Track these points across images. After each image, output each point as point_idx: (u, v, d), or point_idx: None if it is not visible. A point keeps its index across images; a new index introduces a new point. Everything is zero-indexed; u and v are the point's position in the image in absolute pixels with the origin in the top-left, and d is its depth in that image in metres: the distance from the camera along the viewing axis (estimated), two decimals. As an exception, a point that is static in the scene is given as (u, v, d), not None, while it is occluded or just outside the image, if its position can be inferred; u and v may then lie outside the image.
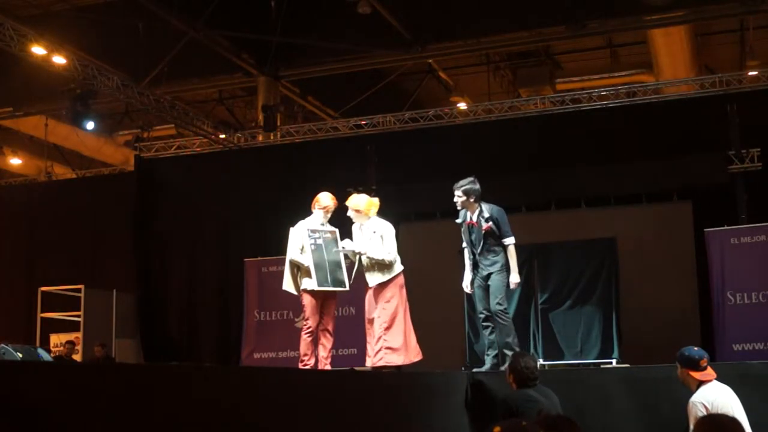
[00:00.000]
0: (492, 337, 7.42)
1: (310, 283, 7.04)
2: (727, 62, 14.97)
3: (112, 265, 15.18)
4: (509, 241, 7.36)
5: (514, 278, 7.38)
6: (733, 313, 10.87)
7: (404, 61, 13.92)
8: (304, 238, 7.10)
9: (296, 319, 7.00)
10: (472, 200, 7.42)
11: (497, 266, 7.35)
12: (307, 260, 7.05)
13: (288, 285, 7.19)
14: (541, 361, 10.97)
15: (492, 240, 7.36)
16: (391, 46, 12.78)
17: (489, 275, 7.38)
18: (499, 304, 7.30)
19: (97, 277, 15.05)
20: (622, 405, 6.47)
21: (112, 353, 13.68)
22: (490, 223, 7.35)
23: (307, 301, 7.08)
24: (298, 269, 7.18)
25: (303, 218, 7.37)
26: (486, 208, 7.42)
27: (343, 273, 7.25)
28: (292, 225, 7.33)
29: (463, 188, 7.41)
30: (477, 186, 7.43)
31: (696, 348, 5.40)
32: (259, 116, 13.70)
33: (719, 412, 5.03)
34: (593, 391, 6.62)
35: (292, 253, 7.13)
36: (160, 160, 15.03)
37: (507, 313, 7.45)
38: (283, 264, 7.04)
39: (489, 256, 7.38)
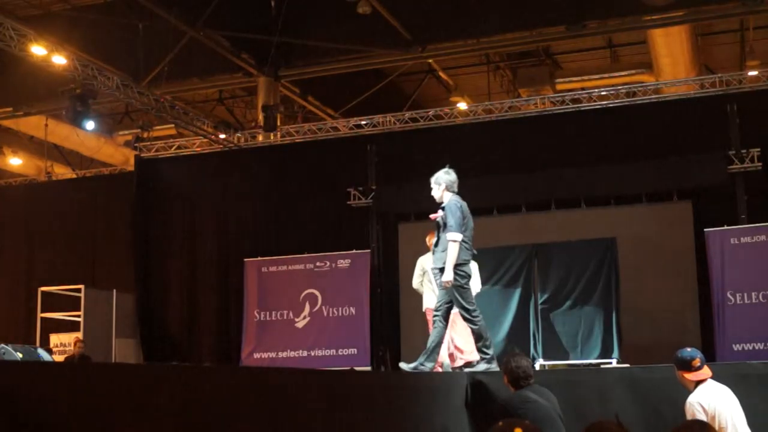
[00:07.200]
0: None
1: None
2: (727, 62, 14.98)
3: (112, 265, 15.18)
4: (451, 236, 6.75)
5: (446, 276, 6.76)
6: (733, 313, 10.88)
7: (404, 61, 13.91)
8: None
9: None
10: (442, 188, 6.99)
11: (440, 263, 6.89)
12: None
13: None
14: (541, 361, 10.97)
15: (442, 234, 6.89)
16: (391, 46, 12.78)
17: (437, 271, 7.00)
18: (464, 309, 6.88)
19: (97, 277, 15.07)
20: (622, 405, 6.46)
21: (112, 353, 13.69)
22: (440, 213, 6.92)
23: None
24: None
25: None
26: (447, 199, 6.96)
27: None
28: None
29: (435, 176, 7.05)
30: (448, 175, 7.01)
31: (689, 349, 5.35)
32: (259, 116, 13.68)
33: (717, 412, 5.04)
34: (593, 391, 6.61)
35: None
36: (160, 160, 15.04)
37: (474, 317, 6.89)
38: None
39: (438, 250, 6.95)
